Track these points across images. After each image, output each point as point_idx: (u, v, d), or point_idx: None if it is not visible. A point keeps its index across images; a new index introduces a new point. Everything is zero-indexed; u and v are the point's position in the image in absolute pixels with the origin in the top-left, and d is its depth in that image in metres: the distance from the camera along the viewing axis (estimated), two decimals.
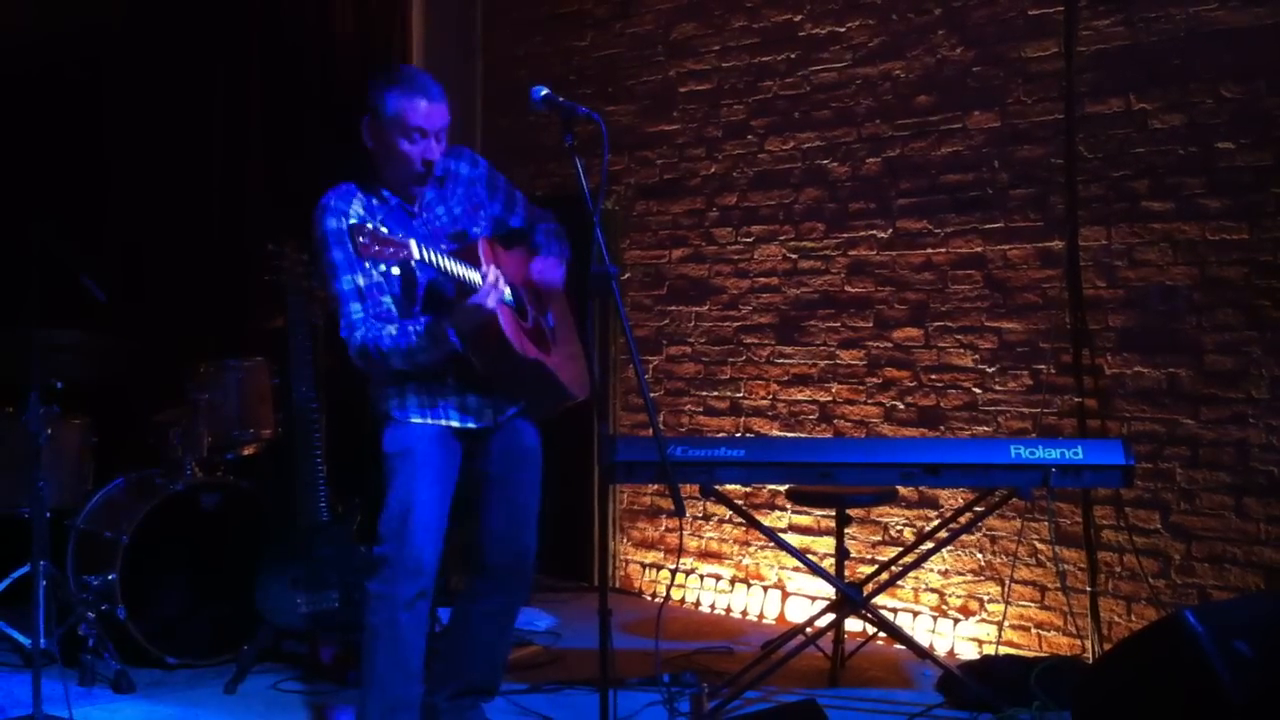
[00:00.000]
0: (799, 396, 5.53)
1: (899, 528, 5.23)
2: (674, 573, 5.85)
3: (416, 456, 3.56)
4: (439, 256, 3.39)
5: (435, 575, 3.62)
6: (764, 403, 5.64)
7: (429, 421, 3.60)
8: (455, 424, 3.63)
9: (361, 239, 3.20)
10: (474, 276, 3.42)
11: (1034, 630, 4.85)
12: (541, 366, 3.62)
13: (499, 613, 3.84)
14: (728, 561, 5.74)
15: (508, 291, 3.56)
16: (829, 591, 4.79)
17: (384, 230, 3.27)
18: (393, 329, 3.46)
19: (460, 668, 3.84)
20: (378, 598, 3.57)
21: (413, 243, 3.29)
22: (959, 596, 5.05)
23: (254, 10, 5.99)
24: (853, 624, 4.80)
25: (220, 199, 5.94)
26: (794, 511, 5.49)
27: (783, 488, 5.29)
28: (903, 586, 5.11)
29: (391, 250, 3.24)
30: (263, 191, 5.94)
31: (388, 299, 3.51)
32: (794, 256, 5.55)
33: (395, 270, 3.30)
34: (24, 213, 5.29)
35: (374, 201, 3.56)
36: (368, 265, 3.37)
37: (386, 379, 3.59)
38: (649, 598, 5.94)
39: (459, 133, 6.28)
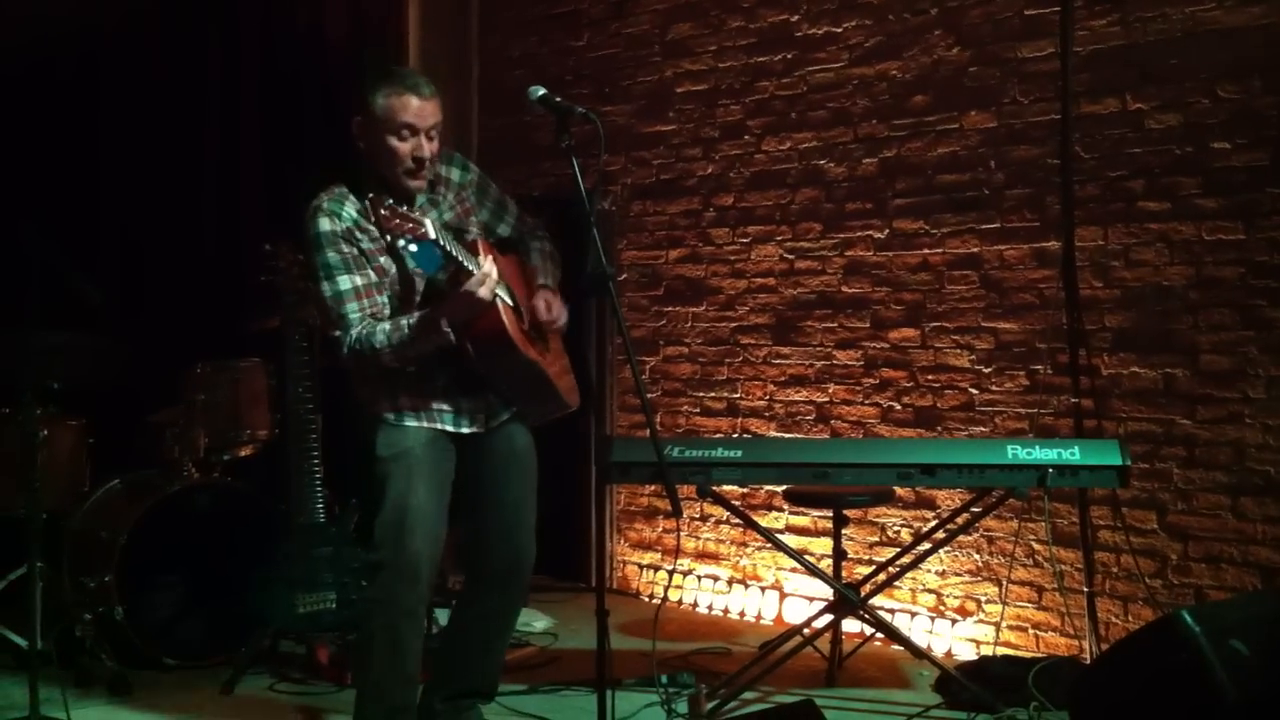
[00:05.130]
0: (796, 397, 5.53)
1: (896, 528, 5.23)
2: (671, 573, 5.85)
3: (411, 459, 3.54)
4: (451, 242, 3.38)
5: (433, 578, 3.61)
6: (761, 403, 5.64)
7: (423, 425, 3.58)
8: (449, 428, 3.61)
9: (383, 210, 3.19)
10: (474, 267, 3.41)
11: (1031, 630, 4.85)
12: (539, 368, 3.62)
13: (496, 615, 3.83)
14: (725, 562, 5.74)
15: (505, 292, 3.55)
16: (826, 592, 4.79)
17: (403, 207, 3.26)
18: (385, 325, 3.44)
19: (457, 670, 3.82)
20: (375, 603, 3.56)
21: (429, 221, 3.28)
22: (956, 597, 5.05)
23: (248, 11, 5.98)
24: (850, 625, 4.79)
25: (215, 200, 5.92)
26: (791, 512, 5.49)
27: (780, 488, 5.29)
28: (900, 587, 5.11)
29: (410, 226, 3.23)
30: (258, 193, 5.93)
31: (383, 299, 3.50)
32: (790, 257, 5.55)
33: (412, 247, 3.27)
34: (18, 213, 5.29)
35: (366, 205, 3.54)
36: (375, 252, 3.43)
37: (378, 382, 3.57)
38: (646, 599, 5.94)
39: (456, 133, 6.32)
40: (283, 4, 6.11)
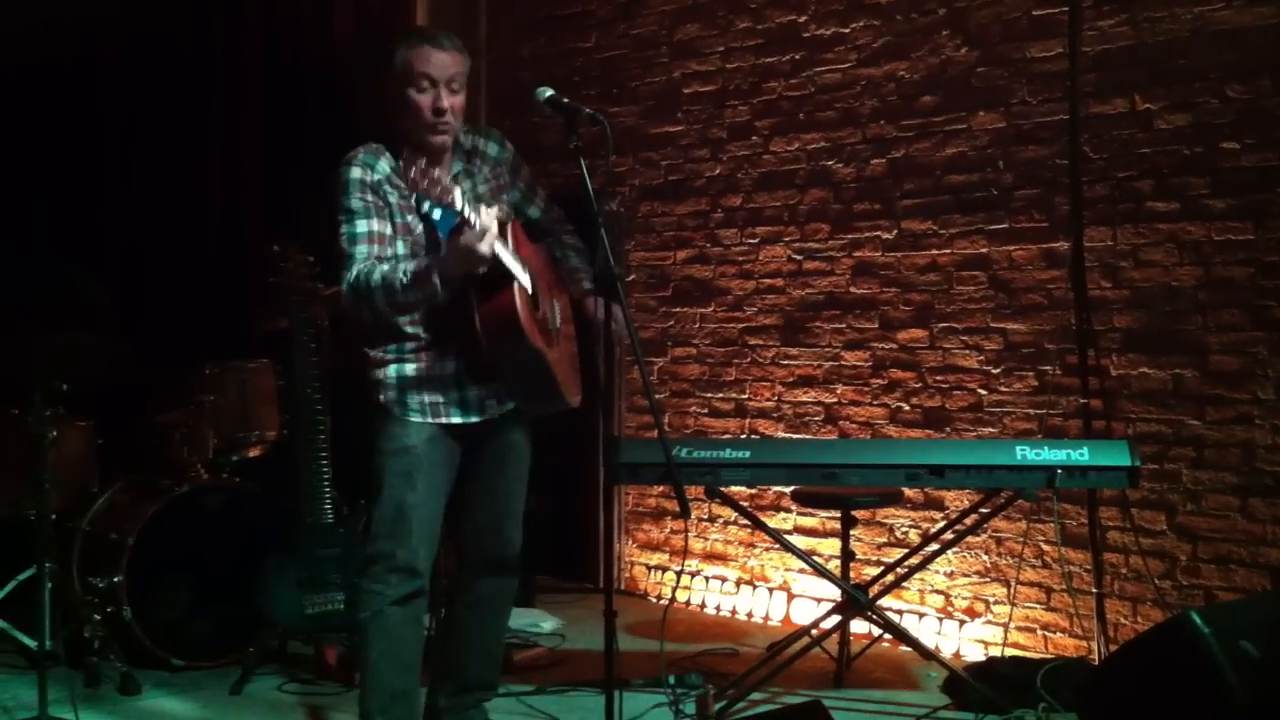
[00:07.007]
0: (804, 398, 5.52)
1: (904, 529, 5.22)
2: (679, 574, 5.85)
3: (414, 454, 3.53)
4: (474, 211, 3.34)
5: (430, 573, 3.61)
6: (769, 404, 5.63)
7: (428, 420, 3.56)
8: (454, 420, 3.59)
9: (414, 172, 3.18)
10: (474, 219, 3.32)
11: (1040, 631, 4.85)
12: (542, 358, 3.56)
13: (489, 604, 3.83)
14: (733, 563, 5.74)
15: (526, 278, 3.52)
16: (834, 593, 4.79)
17: (435, 171, 3.25)
18: (384, 267, 3.40)
19: (457, 665, 3.83)
20: (370, 595, 3.56)
21: (457, 189, 3.26)
22: (964, 598, 5.05)
23: (252, 10, 5.98)
24: (858, 626, 4.79)
25: (220, 200, 5.92)
26: (799, 513, 5.48)
27: (788, 489, 5.28)
28: (908, 588, 5.11)
29: (439, 190, 3.20)
30: (263, 193, 5.93)
31: (394, 250, 3.47)
32: (799, 258, 5.55)
33: (436, 213, 3.25)
34: (24, 214, 5.30)
35: (400, 164, 3.52)
36: (402, 209, 3.45)
37: (383, 368, 3.56)
38: (654, 599, 5.94)
39: None
40: (288, 3, 6.12)
